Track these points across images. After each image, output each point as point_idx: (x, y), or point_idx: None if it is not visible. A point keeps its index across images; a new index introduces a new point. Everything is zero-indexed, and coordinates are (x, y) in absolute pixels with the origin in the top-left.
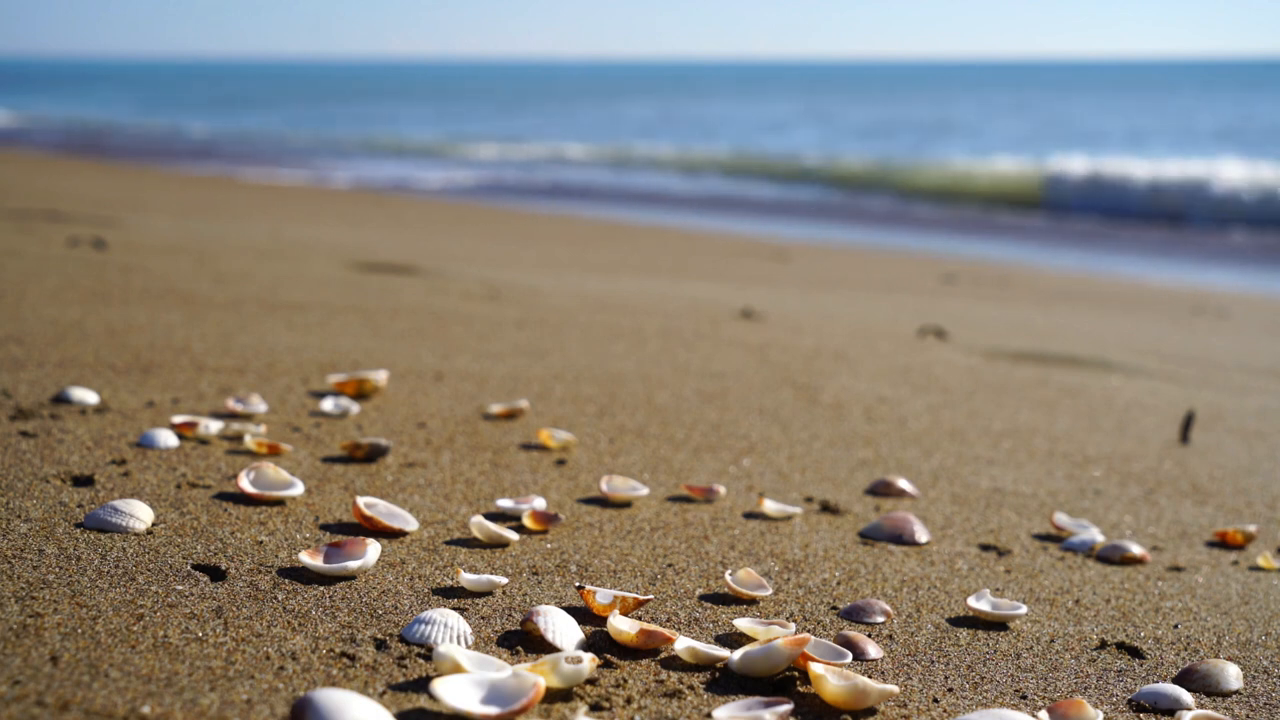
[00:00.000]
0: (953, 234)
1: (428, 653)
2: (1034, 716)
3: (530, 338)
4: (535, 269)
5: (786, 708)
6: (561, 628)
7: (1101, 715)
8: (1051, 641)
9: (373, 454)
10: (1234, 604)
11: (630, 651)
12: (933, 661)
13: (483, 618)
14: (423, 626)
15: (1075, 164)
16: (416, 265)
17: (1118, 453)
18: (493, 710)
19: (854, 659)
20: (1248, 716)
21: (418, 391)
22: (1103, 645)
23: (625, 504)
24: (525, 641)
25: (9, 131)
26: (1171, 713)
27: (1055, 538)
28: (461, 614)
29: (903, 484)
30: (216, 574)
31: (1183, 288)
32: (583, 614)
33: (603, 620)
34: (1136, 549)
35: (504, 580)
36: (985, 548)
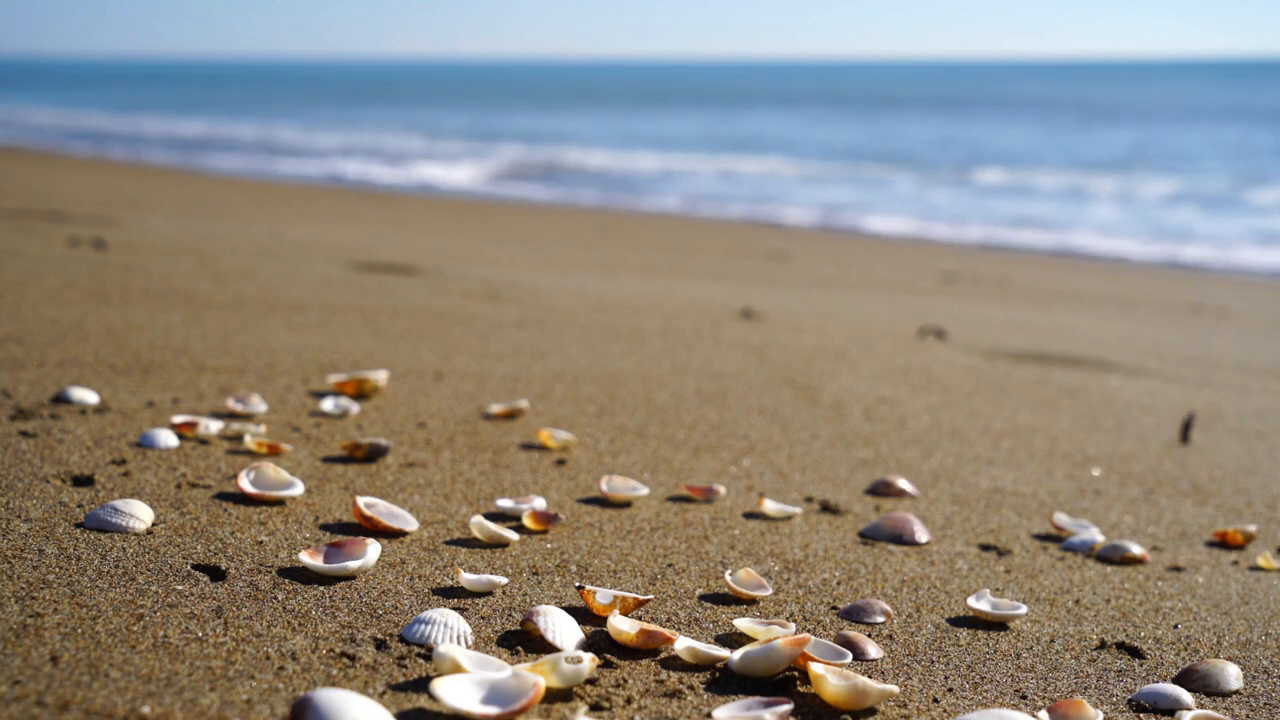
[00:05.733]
0: None
1: (428, 653)
2: (1034, 716)
3: (530, 338)
4: (535, 269)
5: (786, 708)
6: (561, 628)
7: (1101, 715)
8: (1051, 641)
9: (373, 454)
10: (1234, 604)
11: (630, 651)
12: (933, 661)
13: (483, 618)
14: (423, 626)
15: None
16: (416, 265)
17: (1118, 453)
18: (493, 710)
19: (854, 659)
20: (1248, 716)
21: (418, 391)
22: (1103, 645)
23: (625, 504)
24: (525, 641)
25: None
26: (1171, 713)
27: (1055, 538)
28: (461, 614)
29: (903, 484)
30: (216, 574)
31: (1181, 285)
32: (583, 614)
33: (603, 620)
34: (1136, 549)
35: (504, 580)
36: (985, 548)
